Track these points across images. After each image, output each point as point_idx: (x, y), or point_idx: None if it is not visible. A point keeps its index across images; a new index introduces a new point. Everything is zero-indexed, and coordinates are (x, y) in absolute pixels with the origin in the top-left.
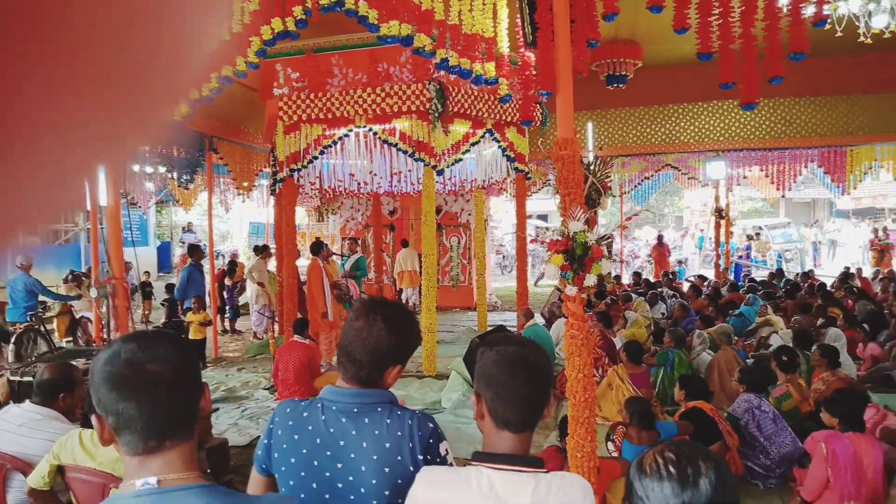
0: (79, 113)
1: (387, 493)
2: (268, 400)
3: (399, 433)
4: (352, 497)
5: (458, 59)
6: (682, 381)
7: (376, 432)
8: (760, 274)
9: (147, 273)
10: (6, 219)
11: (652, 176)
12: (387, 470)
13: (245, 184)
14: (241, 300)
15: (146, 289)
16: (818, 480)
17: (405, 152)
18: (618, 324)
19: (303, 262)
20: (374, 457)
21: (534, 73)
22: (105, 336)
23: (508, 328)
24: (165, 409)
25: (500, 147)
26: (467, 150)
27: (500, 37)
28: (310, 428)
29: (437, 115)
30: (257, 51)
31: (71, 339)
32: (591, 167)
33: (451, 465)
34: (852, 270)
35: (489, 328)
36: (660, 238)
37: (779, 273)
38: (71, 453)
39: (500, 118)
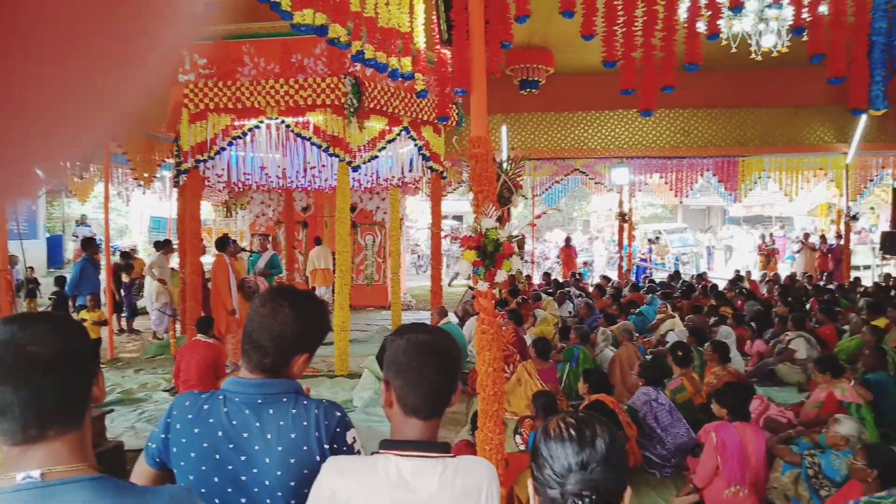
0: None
1: (292, 483)
2: (167, 402)
3: (305, 423)
4: (255, 490)
5: (373, 53)
6: (585, 376)
7: (281, 423)
8: (659, 276)
9: (31, 269)
10: None
11: (562, 180)
12: (292, 461)
13: (146, 175)
14: (141, 302)
15: (31, 286)
16: (709, 468)
17: (319, 147)
18: (528, 322)
19: (208, 259)
20: (279, 448)
21: (450, 70)
22: None
23: None
24: (47, 395)
25: (416, 145)
26: (383, 148)
27: (416, 32)
28: (211, 421)
29: (352, 110)
30: None
31: None
32: (504, 166)
33: (358, 453)
34: (742, 273)
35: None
36: (567, 240)
37: (676, 275)
38: None
39: (416, 116)
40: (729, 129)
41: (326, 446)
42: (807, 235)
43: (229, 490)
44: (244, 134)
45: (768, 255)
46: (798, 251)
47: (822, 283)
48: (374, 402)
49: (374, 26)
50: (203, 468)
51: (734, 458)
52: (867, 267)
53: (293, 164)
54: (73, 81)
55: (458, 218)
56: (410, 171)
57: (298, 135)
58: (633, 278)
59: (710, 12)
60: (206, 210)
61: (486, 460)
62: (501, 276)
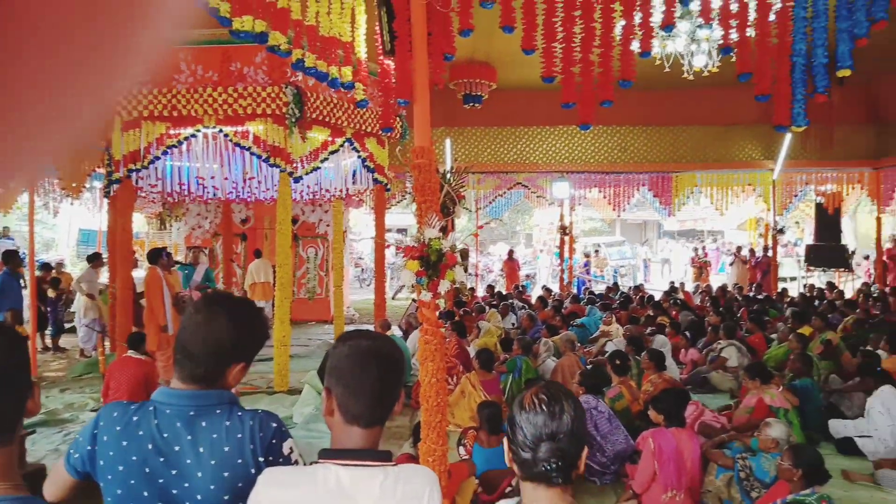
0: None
1: (226, 497)
2: None
3: (239, 435)
4: (187, 503)
5: (314, 61)
6: (528, 386)
7: (214, 436)
8: (599, 288)
9: None
10: None
11: (504, 193)
12: (226, 474)
13: (74, 185)
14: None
15: None
16: (647, 474)
17: (259, 157)
18: (472, 333)
19: (141, 273)
20: (212, 462)
21: (393, 81)
22: None
23: None
24: None
25: (359, 157)
26: (326, 159)
27: (357, 42)
28: (140, 433)
29: (294, 120)
30: None
31: None
32: (447, 177)
33: (296, 463)
34: (676, 285)
35: None
36: (510, 253)
37: (615, 287)
38: None
39: (360, 128)
40: (663, 145)
41: (262, 459)
42: (739, 249)
43: None
44: (180, 143)
45: (701, 268)
46: (731, 263)
47: (751, 294)
48: (315, 417)
49: (315, 35)
50: (132, 482)
51: (671, 463)
52: (793, 278)
53: (232, 174)
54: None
55: (403, 231)
56: (354, 182)
57: (237, 144)
58: (574, 290)
59: (642, 31)
60: (139, 222)
61: (429, 469)
62: (444, 285)
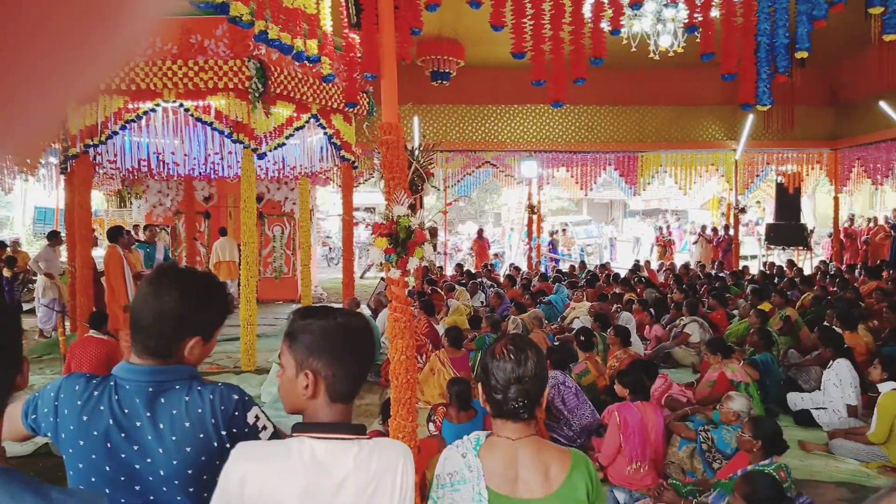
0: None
1: (189, 472)
2: None
3: (199, 410)
4: (150, 478)
5: (277, 33)
6: None
7: (174, 412)
8: (566, 266)
9: None
10: None
11: (473, 172)
12: (188, 449)
13: (28, 161)
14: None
15: None
16: (613, 446)
17: (221, 133)
18: (441, 312)
19: (100, 252)
20: (173, 437)
21: (359, 55)
22: None
23: None
24: None
25: (325, 134)
26: (291, 135)
27: (322, 15)
28: (101, 408)
29: (257, 94)
30: None
31: None
32: (415, 154)
33: (264, 428)
34: (641, 263)
35: None
36: (480, 232)
37: (581, 265)
38: None
39: (326, 104)
40: (629, 125)
41: (224, 432)
42: (703, 228)
43: (122, 479)
44: (139, 117)
45: (665, 246)
46: (695, 242)
47: (713, 272)
48: None
49: (278, 6)
50: (93, 456)
51: (635, 436)
52: (754, 256)
53: (193, 150)
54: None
55: (371, 210)
56: (320, 160)
57: (199, 119)
58: (542, 269)
59: (612, 9)
60: (98, 200)
61: (402, 443)
62: (413, 263)
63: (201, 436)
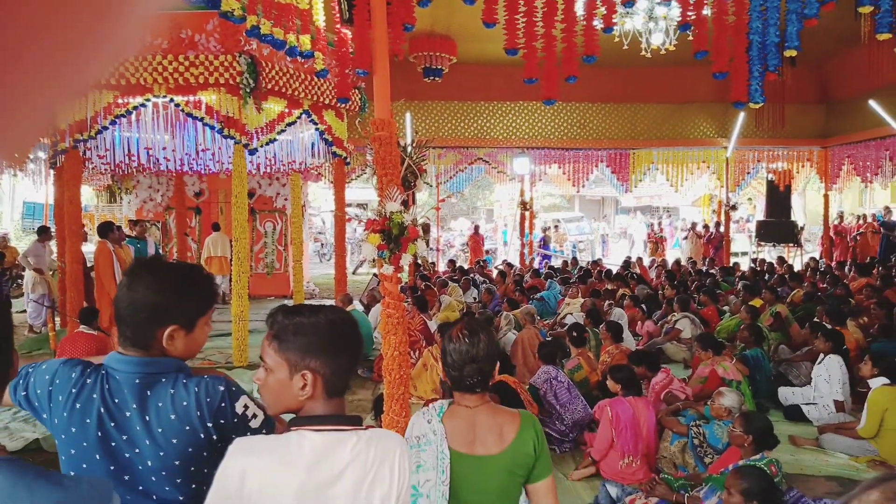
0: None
1: (177, 462)
2: None
3: (185, 404)
4: (139, 468)
5: (270, 28)
6: None
7: (160, 405)
8: (558, 262)
9: None
10: None
11: (465, 168)
12: (174, 441)
13: (17, 155)
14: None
15: None
16: (605, 441)
17: (212, 128)
18: (433, 308)
19: (90, 248)
20: (160, 430)
21: (351, 51)
22: None
23: None
24: None
25: (317, 130)
26: (282, 131)
27: (315, 10)
28: (94, 397)
29: (248, 90)
30: None
31: None
32: (408, 150)
33: (254, 416)
34: (633, 260)
35: None
36: (476, 228)
37: (573, 261)
38: None
39: (318, 100)
40: (621, 122)
41: (210, 424)
42: (694, 224)
43: (112, 467)
44: (129, 112)
45: (657, 243)
46: (685, 238)
47: (704, 269)
48: None
49: (270, 1)
50: (84, 444)
51: (628, 431)
52: (744, 253)
53: (184, 146)
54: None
55: (363, 206)
56: (312, 156)
57: (189, 115)
58: (534, 265)
59: (605, 6)
60: (87, 195)
61: (399, 434)
62: (406, 259)
63: (187, 428)
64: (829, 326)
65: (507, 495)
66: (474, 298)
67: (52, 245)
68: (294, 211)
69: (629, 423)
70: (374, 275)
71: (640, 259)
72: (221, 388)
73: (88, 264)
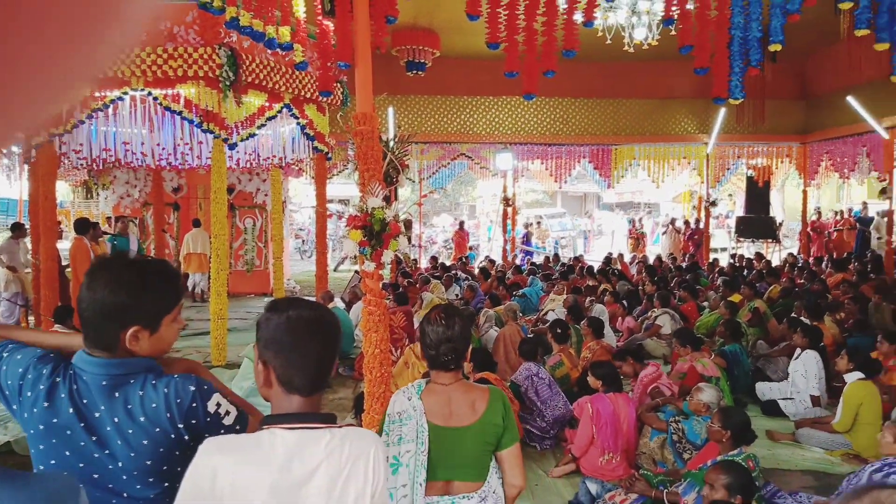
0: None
1: (148, 462)
2: None
3: (154, 405)
4: (110, 467)
5: (249, 20)
6: (471, 355)
7: (129, 406)
8: (540, 258)
9: None
10: None
11: (448, 164)
12: (144, 442)
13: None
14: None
15: None
16: (585, 437)
17: (191, 122)
18: (415, 304)
19: (65, 245)
20: (130, 431)
21: (332, 43)
22: None
23: None
24: None
25: (298, 124)
26: (263, 125)
27: (295, 1)
28: (62, 396)
29: (228, 83)
30: None
31: None
32: (390, 145)
33: (227, 413)
34: (614, 256)
35: None
36: (461, 224)
37: (555, 258)
38: None
39: (299, 93)
40: (603, 118)
41: (181, 425)
42: (673, 220)
43: (81, 465)
44: (105, 106)
45: (638, 239)
46: (664, 233)
47: (684, 264)
48: (255, 391)
49: None
50: (53, 441)
51: (608, 427)
52: (724, 249)
53: (162, 140)
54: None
55: (345, 202)
56: (293, 151)
57: (167, 108)
58: (517, 261)
59: (586, 1)
60: (63, 190)
61: (374, 433)
62: (388, 255)
63: (157, 430)
64: (806, 322)
65: (478, 462)
66: (457, 295)
67: (27, 242)
68: (274, 207)
69: (609, 419)
70: (356, 271)
71: (621, 255)
72: (192, 389)
73: (64, 262)
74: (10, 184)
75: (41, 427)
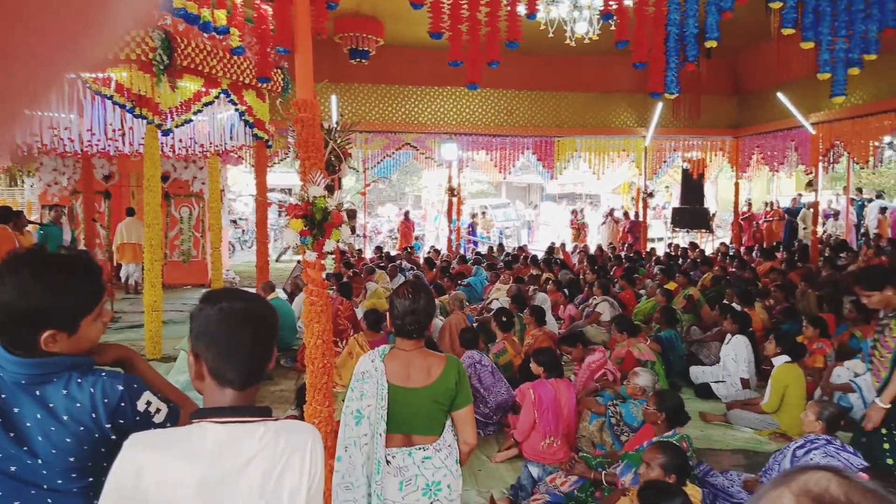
0: None
1: (71, 459)
2: None
3: (78, 405)
4: (28, 462)
5: (183, 2)
6: None
7: (51, 405)
8: (485, 248)
9: None
10: None
11: (393, 154)
12: (68, 440)
13: None
14: None
15: None
16: (527, 423)
17: (122, 107)
18: (359, 295)
19: None
20: (52, 429)
21: (271, 28)
22: None
23: None
24: None
25: (237, 111)
26: (199, 111)
27: None
28: None
29: (162, 67)
30: None
31: None
32: (332, 133)
33: (158, 411)
34: (556, 245)
35: None
36: (406, 214)
37: (500, 247)
38: None
39: (237, 79)
40: (547, 110)
41: (108, 425)
42: (612, 210)
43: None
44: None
45: (579, 229)
46: (603, 223)
47: (622, 254)
48: (192, 385)
49: None
50: None
51: (549, 412)
52: (661, 239)
53: (92, 125)
54: None
55: (287, 191)
56: (232, 138)
57: (98, 93)
58: (462, 251)
59: None
60: None
61: (312, 425)
62: (330, 245)
63: (81, 429)
64: (737, 308)
65: (432, 419)
66: None
67: None
68: (212, 196)
69: (551, 404)
70: (298, 262)
71: (563, 245)
72: (120, 388)
73: None
74: None
75: None
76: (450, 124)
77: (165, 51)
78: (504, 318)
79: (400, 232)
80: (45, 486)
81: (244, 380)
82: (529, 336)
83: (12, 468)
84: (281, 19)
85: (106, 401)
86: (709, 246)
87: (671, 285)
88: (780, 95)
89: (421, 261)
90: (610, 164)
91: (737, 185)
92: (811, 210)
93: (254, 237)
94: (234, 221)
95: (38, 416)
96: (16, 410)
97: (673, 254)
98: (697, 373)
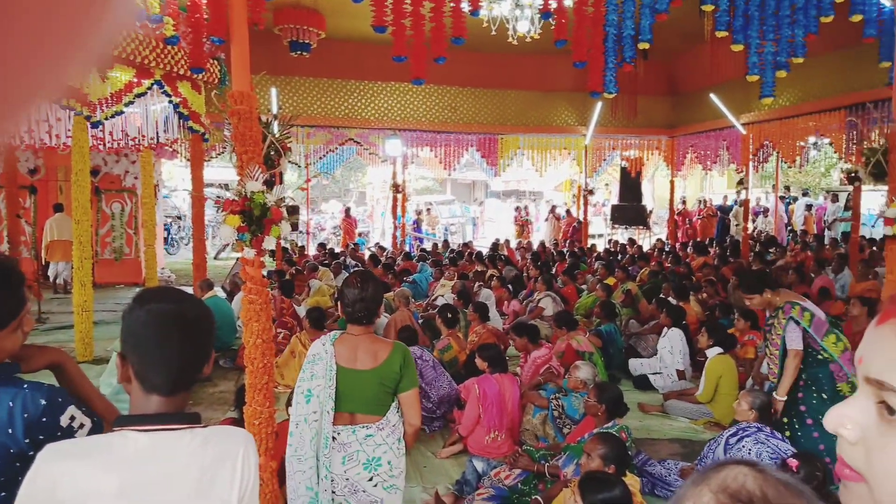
0: None
1: None
2: None
3: None
4: None
5: None
6: None
7: None
8: (430, 245)
9: None
10: None
11: (336, 149)
12: None
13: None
14: None
15: None
16: (472, 417)
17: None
18: (302, 292)
19: None
20: None
21: (205, 17)
22: None
23: None
24: None
25: (171, 102)
26: (130, 102)
27: None
28: None
29: None
30: None
31: None
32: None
33: (81, 426)
34: (501, 242)
35: None
36: (347, 211)
37: (445, 244)
38: None
39: (171, 69)
40: (490, 108)
41: (27, 440)
42: (554, 207)
43: None
44: None
45: (523, 226)
46: (546, 220)
47: (564, 250)
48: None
49: None
50: None
51: (494, 407)
52: (601, 235)
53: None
54: None
55: (225, 186)
56: (166, 131)
57: None
58: (406, 248)
59: None
60: None
61: (245, 430)
62: (269, 242)
63: None
64: (673, 302)
65: (378, 400)
66: None
67: None
68: (145, 191)
69: (495, 399)
70: (238, 260)
71: (507, 241)
72: (43, 402)
73: None
74: None
75: None
76: (394, 120)
77: None
78: (449, 315)
79: (342, 229)
80: None
81: (171, 386)
82: (473, 333)
83: None
84: (215, 8)
85: (26, 416)
86: (646, 242)
87: (611, 280)
88: (712, 97)
89: (366, 257)
90: (552, 161)
91: (672, 183)
92: (742, 207)
93: (190, 234)
94: (179, 217)
95: None
96: None
97: (613, 250)
98: (636, 365)
